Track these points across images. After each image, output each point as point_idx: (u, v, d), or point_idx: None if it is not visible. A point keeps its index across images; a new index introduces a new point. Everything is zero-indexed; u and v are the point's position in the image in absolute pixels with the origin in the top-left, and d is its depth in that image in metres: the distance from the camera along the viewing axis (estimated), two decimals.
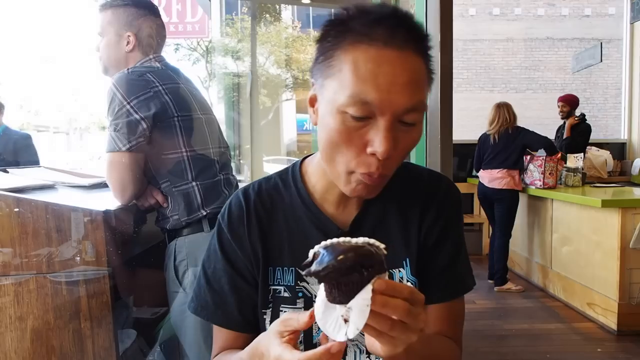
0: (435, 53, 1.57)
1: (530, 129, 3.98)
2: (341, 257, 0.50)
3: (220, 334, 0.84)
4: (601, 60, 5.24)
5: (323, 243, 0.53)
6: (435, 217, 0.80)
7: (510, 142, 3.89)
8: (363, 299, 0.50)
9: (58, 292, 1.24)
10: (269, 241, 0.81)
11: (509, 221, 3.96)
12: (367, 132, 0.65)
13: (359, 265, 0.50)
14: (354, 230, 0.79)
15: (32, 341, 1.24)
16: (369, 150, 0.66)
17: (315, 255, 0.53)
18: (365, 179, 0.68)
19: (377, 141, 0.64)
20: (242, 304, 0.81)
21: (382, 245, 0.52)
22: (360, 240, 0.52)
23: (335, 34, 0.67)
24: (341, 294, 0.51)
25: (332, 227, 0.79)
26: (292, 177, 0.83)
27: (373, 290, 0.50)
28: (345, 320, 0.52)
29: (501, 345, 2.87)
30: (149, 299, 1.60)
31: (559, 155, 3.87)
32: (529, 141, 3.89)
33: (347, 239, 0.52)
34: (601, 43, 5.28)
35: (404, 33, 0.65)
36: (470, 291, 0.83)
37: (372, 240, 0.52)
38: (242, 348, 0.77)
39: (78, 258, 1.25)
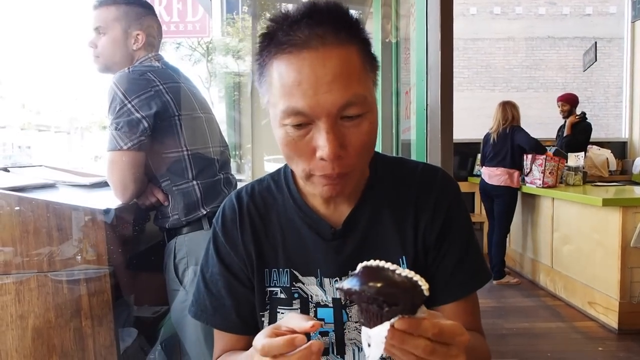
0: (436, 52, 1.57)
1: (526, 129, 4.04)
2: (369, 284, 0.48)
3: (220, 337, 0.84)
4: (596, 60, 5.25)
5: (368, 263, 0.51)
6: (432, 213, 0.78)
7: (506, 141, 3.97)
8: (380, 332, 0.49)
9: (59, 290, 1.25)
10: (264, 243, 0.80)
11: (507, 217, 4.06)
12: (312, 138, 0.65)
13: (381, 300, 0.48)
14: (346, 229, 0.78)
15: (33, 339, 1.25)
16: (317, 154, 0.65)
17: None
18: (325, 181, 0.68)
19: (321, 145, 0.64)
20: (239, 307, 0.81)
21: (425, 286, 0.48)
22: (404, 272, 0.49)
23: (263, 48, 0.67)
24: (364, 318, 0.51)
25: (325, 227, 0.78)
26: (284, 178, 0.83)
27: (393, 326, 0.48)
28: (369, 344, 0.51)
29: (502, 344, 2.86)
30: (150, 298, 1.60)
31: (549, 154, 3.90)
32: (519, 141, 3.95)
33: (394, 266, 0.50)
34: (595, 42, 5.29)
35: (323, 28, 0.63)
36: (486, 283, 0.80)
37: (416, 277, 0.48)
38: (244, 350, 0.78)
39: (79, 257, 1.25)
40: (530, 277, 4.21)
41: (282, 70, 0.63)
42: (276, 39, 0.64)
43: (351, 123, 0.65)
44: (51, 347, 1.25)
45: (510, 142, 3.95)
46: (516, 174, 3.98)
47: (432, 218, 0.78)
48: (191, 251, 1.44)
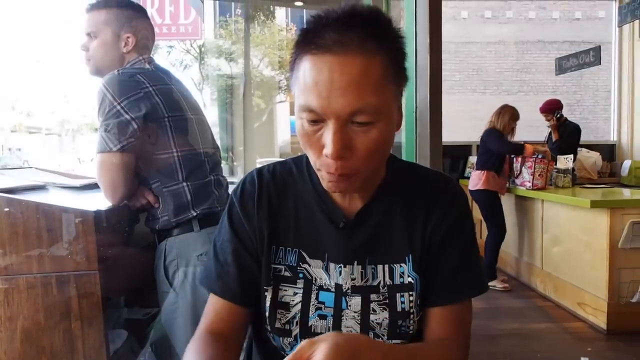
0: (424, 55, 1.59)
1: (516, 131, 4.01)
2: None
3: (214, 304, 0.84)
4: (600, 63, 5.23)
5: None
6: (441, 218, 0.82)
7: (483, 143, 3.97)
8: None
9: (48, 292, 1.24)
10: (277, 221, 0.84)
11: (491, 222, 3.98)
12: (322, 135, 0.69)
13: None
14: (359, 220, 0.82)
15: (22, 341, 1.24)
16: (323, 152, 0.69)
17: None
18: (329, 177, 0.71)
19: (327, 143, 0.68)
20: (243, 276, 0.83)
21: None
22: None
23: (298, 44, 0.71)
24: None
25: (338, 214, 0.82)
26: (306, 164, 0.87)
27: None
28: None
29: (492, 344, 2.88)
30: (140, 299, 1.60)
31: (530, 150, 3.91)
32: (490, 145, 3.89)
33: None
34: (599, 46, 5.26)
35: (351, 35, 0.66)
36: (478, 295, 0.83)
37: None
38: (233, 322, 0.82)
39: (69, 258, 1.25)
40: (520, 278, 4.24)
41: (306, 68, 0.68)
42: (308, 38, 0.68)
43: (360, 129, 0.68)
44: (40, 349, 1.25)
45: (483, 145, 3.95)
46: (488, 175, 3.86)
47: (440, 222, 0.82)
48: (181, 253, 1.44)
